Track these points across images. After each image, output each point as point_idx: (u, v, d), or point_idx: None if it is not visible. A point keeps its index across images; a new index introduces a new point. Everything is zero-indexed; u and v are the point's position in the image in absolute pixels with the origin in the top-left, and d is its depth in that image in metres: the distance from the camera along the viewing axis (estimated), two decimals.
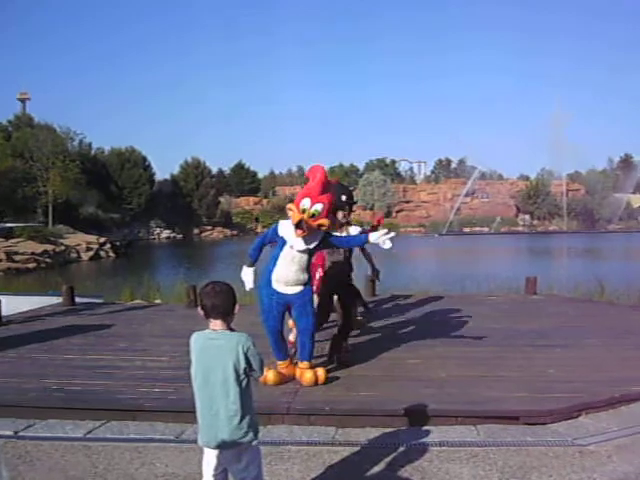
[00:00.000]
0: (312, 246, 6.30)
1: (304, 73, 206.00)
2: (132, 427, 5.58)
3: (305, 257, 6.34)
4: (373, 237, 6.41)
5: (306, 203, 6.10)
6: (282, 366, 6.55)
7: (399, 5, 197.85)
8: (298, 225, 6.08)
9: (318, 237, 6.32)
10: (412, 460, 4.76)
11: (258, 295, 6.66)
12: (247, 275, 6.60)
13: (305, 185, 6.40)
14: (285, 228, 6.35)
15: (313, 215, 6.09)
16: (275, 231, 6.45)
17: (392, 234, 6.41)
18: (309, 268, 6.50)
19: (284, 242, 6.33)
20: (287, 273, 6.34)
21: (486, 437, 5.25)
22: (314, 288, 7.47)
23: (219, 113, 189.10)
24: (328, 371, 6.64)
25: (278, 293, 6.41)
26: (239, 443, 3.41)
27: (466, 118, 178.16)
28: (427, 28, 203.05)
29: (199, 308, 3.51)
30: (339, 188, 7.47)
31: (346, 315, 7.38)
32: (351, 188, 8.41)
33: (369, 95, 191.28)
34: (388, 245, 6.36)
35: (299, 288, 6.40)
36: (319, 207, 6.11)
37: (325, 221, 6.23)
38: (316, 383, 6.36)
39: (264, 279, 6.49)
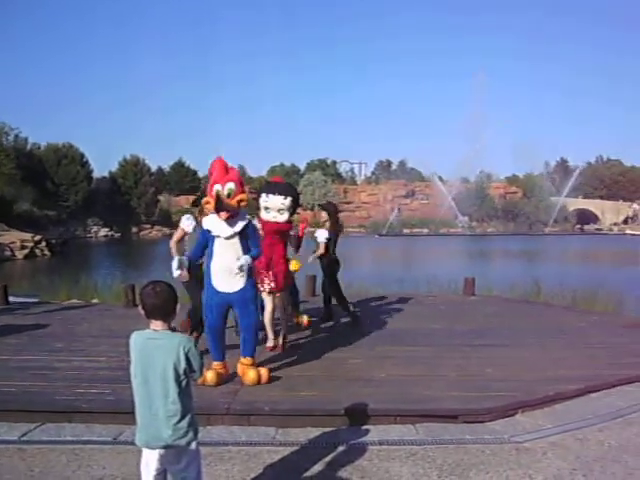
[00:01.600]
0: (238, 229, 6.28)
1: (245, 72, 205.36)
2: (68, 429, 5.48)
3: (237, 242, 6.31)
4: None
5: (217, 187, 6.15)
6: (219, 367, 6.48)
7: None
8: (219, 207, 6.08)
9: (243, 220, 6.32)
10: (352, 459, 4.79)
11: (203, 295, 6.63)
12: (176, 263, 6.33)
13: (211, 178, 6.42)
14: (209, 222, 6.36)
15: (229, 195, 6.12)
16: (203, 232, 6.43)
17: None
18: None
19: (213, 237, 6.32)
20: (225, 262, 6.29)
21: (425, 436, 5.32)
22: (272, 285, 7.51)
23: (159, 110, 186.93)
24: (269, 370, 6.62)
25: (219, 293, 6.37)
26: (178, 443, 3.37)
27: (407, 120, 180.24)
28: (379, 33, 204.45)
29: (140, 308, 3.47)
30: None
31: None
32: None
33: (311, 95, 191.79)
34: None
35: (239, 285, 6.34)
36: (231, 185, 6.18)
37: (244, 196, 6.29)
38: (259, 382, 6.34)
39: (206, 279, 6.46)
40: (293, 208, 7.55)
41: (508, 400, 5.89)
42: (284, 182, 8.38)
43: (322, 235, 9.12)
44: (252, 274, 6.56)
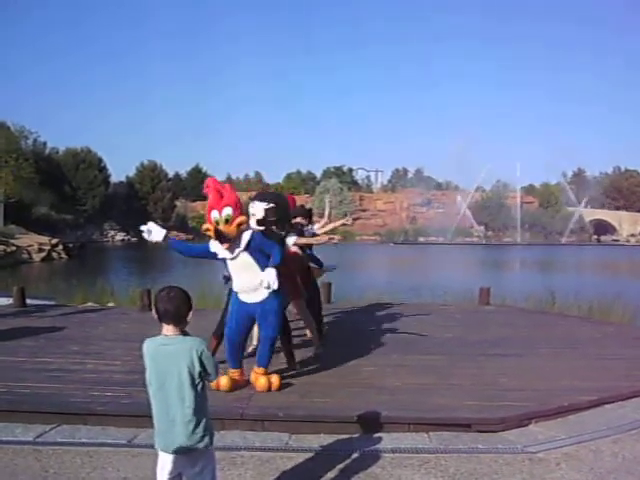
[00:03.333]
0: (242, 248, 6.27)
1: (263, 80, 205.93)
2: (83, 431, 5.51)
3: (247, 257, 6.29)
4: (291, 241, 6.91)
5: (215, 215, 6.11)
6: (235, 373, 6.52)
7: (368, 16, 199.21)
8: (219, 238, 6.12)
9: (243, 238, 6.29)
10: (365, 466, 4.80)
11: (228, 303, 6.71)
12: (156, 228, 6.57)
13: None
14: (214, 246, 6.37)
15: (227, 221, 6.10)
16: (208, 249, 6.46)
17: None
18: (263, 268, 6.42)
19: (222, 258, 6.39)
20: (243, 281, 6.37)
21: (438, 444, 5.31)
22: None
23: (176, 116, 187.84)
24: (283, 377, 6.64)
25: (241, 303, 6.45)
26: (195, 448, 3.40)
27: (424, 128, 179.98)
28: (391, 38, 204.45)
29: (154, 311, 3.50)
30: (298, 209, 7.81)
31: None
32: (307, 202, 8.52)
33: (329, 103, 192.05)
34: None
35: (261, 296, 6.35)
36: (228, 210, 6.11)
37: (243, 218, 6.25)
38: (269, 389, 6.36)
39: (233, 292, 6.59)
40: (280, 215, 7.47)
41: (522, 410, 5.87)
42: (271, 192, 8.42)
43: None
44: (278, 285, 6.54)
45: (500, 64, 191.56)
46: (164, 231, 6.51)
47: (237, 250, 6.26)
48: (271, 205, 7.12)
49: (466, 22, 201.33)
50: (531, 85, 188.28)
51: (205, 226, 6.23)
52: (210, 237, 6.29)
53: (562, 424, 5.79)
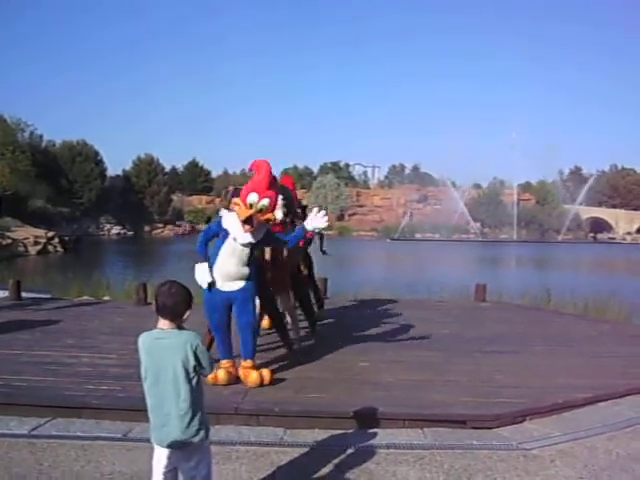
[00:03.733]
0: (255, 240, 6.28)
1: (261, 75, 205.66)
2: (78, 424, 5.51)
3: (246, 251, 6.31)
4: (309, 225, 6.68)
5: (254, 198, 6.08)
6: (228, 365, 6.47)
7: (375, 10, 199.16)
8: (247, 221, 6.06)
9: (262, 232, 6.32)
10: (360, 462, 4.80)
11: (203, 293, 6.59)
12: (202, 272, 6.34)
13: (251, 179, 6.34)
14: (229, 221, 6.31)
15: (260, 210, 6.09)
16: (219, 224, 6.40)
17: (323, 212, 6.66)
18: (250, 262, 6.44)
19: (227, 235, 6.30)
20: (227, 267, 6.31)
21: (433, 440, 5.32)
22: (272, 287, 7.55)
23: (174, 111, 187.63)
24: (274, 371, 6.64)
25: (220, 292, 6.38)
26: (190, 442, 3.40)
27: (422, 124, 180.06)
28: (388, 34, 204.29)
29: (153, 304, 3.50)
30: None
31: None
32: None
33: (325, 98, 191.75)
34: (324, 223, 6.61)
35: (240, 283, 6.36)
36: (266, 202, 6.12)
37: (272, 216, 6.29)
38: (262, 384, 6.35)
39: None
40: (286, 207, 7.56)
41: (517, 407, 5.88)
42: (283, 184, 8.42)
43: None
44: (253, 277, 6.53)
45: (498, 61, 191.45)
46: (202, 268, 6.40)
47: (250, 240, 6.23)
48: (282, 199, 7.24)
49: (465, 19, 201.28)
50: (529, 82, 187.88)
51: (237, 200, 6.18)
52: (231, 211, 6.30)
53: (557, 421, 5.80)
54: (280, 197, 7.39)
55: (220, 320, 6.52)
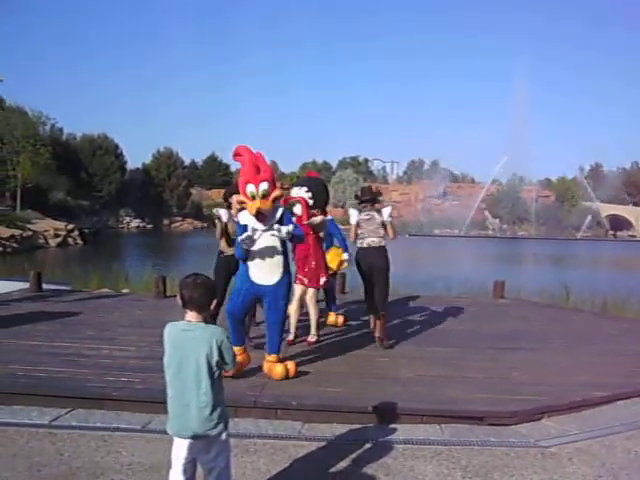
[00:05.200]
0: (274, 220, 6.30)
1: (281, 69, 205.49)
2: (98, 415, 5.57)
3: (273, 237, 6.31)
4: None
5: (251, 189, 6.11)
6: (239, 351, 6.40)
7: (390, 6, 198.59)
8: (258, 214, 6.13)
9: (276, 213, 6.35)
10: (377, 457, 4.81)
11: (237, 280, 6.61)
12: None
13: (240, 171, 6.38)
14: (245, 218, 6.35)
15: (264, 195, 6.12)
16: (240, 226, 6.42)
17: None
18: (286, 254, 6.51)
19: (246, 229, 6.30)
20: (261, 253, 6.32)
21: (450, 436, 5.32)
22: (305, 281, 7.60)
23: (195, 105, 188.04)
24: (297, 365, 6.67)
25: (252, 284, 6.39)
26: (209, 434, 3.42)
27: (442, 120, 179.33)
28: (407, 29, 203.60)
29: (178, 297, 3.52)
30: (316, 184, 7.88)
31: None
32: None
33: (345, 93, 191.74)
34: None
35: (274, 279, 6.37)
36: (265, 185, 6.13)
37: (279, 192, 6.31)
38: (287, 377, 6.38)
39: (242, 267, 6.49)
40: (315, 200, 7.66)
41: (534, 404, 5.87)
42: (311, 176, 8.45)
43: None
44: (288, 270, 6.57)
45: (519, 60, 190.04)
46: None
47: (273, 221, 6.28)
48: (306, 188, 7.33)
49: (483, 16, 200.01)
50: (551, 81, 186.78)
51: (239, 198, 6.24)
52: (241, 209, 6.34)
53: (575, 419, 5.78)
54: (305, 189, 7.52)
55: (240, 307, 6.54)
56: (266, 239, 6.29)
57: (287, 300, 6.61)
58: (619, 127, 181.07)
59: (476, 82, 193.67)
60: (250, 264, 6.39)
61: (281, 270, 6.40)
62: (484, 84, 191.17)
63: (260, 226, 6.25)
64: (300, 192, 7.67)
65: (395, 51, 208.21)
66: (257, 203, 6.07)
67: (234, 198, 6.96)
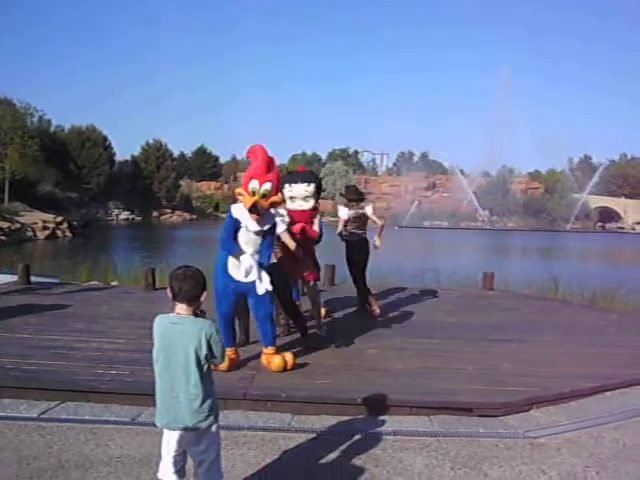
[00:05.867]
0: (266, 228, 6.31)
1: (269, 62, 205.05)
2: (87, 408, 5.56)
3: (260, 239, 6.34)
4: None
5: (254, 184, 6.10)
6: (230, 352, 6.45)
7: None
8: (252, 209, 6.09)
9: (271, 218, 6.36)
10: (366, 448, 4.83)
11: (214, 281, 6.56)
12: (248, 261, 6.29)
13: (249, 166, 6.38)
14: (238, 211, 6.31)
15: (264, 195, 6.12)
16: (231, 216, 6.38)
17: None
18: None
19: (239, 225, 6.29)
20: (245, 255, 6.30)
21: (439, 427, 5.34)
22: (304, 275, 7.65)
23: (184, 97, 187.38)
24: (294, 355, 6.69)
25: (234, 281, 6.39)
26: (199, 426, 3.42)
27: (432, 112, 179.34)
28: (397, 22, 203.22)
29: (168, 290, 3.51)
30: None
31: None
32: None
33: (335, 85, 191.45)
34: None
35: (255, 276, 6.36)
36: (268, 186, 6.14)
37: (277, 198, 6.31)
38: (285, 368, 6.40)
39: (220, 265, 6.47)
40: (317, 194, 7.70)
41: (523, 395, 5.90)
42: (305, 170, 8.40)
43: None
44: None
45: (508, 51, 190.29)
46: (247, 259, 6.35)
47: (265, 226, 6.29)
48: (314, 185, 7.35)
49: (474, 8, 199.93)
50: (540, 72, 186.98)
51: (240, 190, 6.22)
52: (238, 201, 6.32)
53: (563, 410, 5.81)
54: (313, 185, 7.51)
55: (229, 308, 6.55)
56: (250, 241, 6.31)
57: (271, 293, 6.61)
58: (608, 119, 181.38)
59: (468, 74, 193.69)
60: (230, 262, 6.39)
61: (256, 270, 6.39)
62: (476, 76, 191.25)
63: (254, 226, 6.23)
64: (309, 189, 7.59)
65: (386, 43, 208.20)
66: (255, 198, 6.06)
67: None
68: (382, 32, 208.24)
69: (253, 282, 6.37)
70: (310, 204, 7.56)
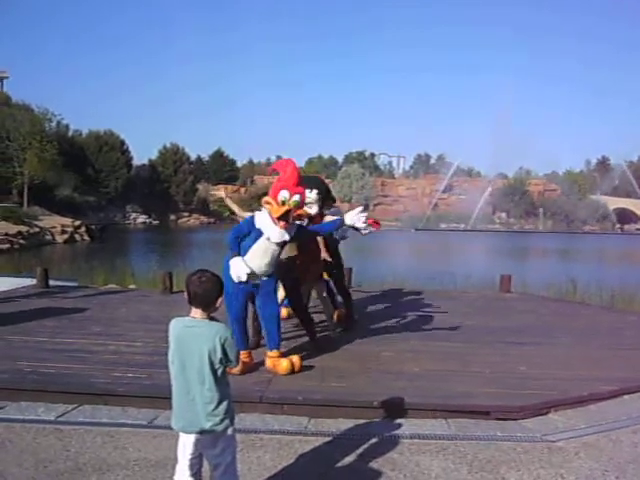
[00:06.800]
0: (288, 237, 6.31)
1: (285, 65, 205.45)
2: (104, 411, 5.57)
3: (278, 250, 6.35)
4: (348, 218, 6.75)
5: (285, 194, 6.13)
6: (244, 355, 6.46)
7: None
8: (283, 217, 6.09)
9: (294, 228, 6.36)
10: (383, 451, 4.81)
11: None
12: (239, 266, 6.23)
13: (278, 178, 6.38)
14: (262, 220, 6.30)
15: (294, 206, 6.14)
16: (250, 223, 6.37)
17: (365, 213, 6.77)
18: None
19: (259, 234, 6.27)
20: (259, 265, 6.28)
21: (457, 431, 5.32)
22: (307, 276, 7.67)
23: (200, 101, 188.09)
24: (301, 357, 6.68)
25: (242, 284, 6.39)
26: (215, 429, 3.42)
27: (449, 114, 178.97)
28: (412, 22, 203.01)
29: (185, 293, 3.52)
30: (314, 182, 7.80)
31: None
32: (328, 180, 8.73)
33: (351, 87, 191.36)
34: (364, 225, 6.72)
35: (264, 277, 6.40)
36: (298, 198, 6.19)
37: (304, 211, 6.37)
38: (293, 371, 6.39)
39: (227, 270, 6.42)
40: (321, 200, 7.67)
41: (541, 398, 5.86)
42: (308, 176, 8.41)
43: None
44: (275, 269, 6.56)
45: (529, 54, 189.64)
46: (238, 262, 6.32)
47: (288, 235, 6.28)
48: (317, 191, 7.36)
49: (498, 11, 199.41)
50: (558, 75, 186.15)
51: (268, 198, 6.22)
52: (260, 210, 6.38)
53: (582, 413, 5.76)
54: (315, 192, 7.52)
55: (240, 311, 6.55)
56: (266, 249, 6.27)
57: (277, 294, 6.70)
58: (626, 121, 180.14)
59: (484, 75, 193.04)
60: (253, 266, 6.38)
61: (272, 272, 6.44)
62: (491, 77, 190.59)
63: (276, 237, 6.21)
64: (311, 195, 7.59)
65: (402, 44, 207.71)
66: (286, 207, 6.08)
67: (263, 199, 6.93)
68: (400, 32, 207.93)
69: (261, 283, 6.41)
70: (314, 210, 7.52)
